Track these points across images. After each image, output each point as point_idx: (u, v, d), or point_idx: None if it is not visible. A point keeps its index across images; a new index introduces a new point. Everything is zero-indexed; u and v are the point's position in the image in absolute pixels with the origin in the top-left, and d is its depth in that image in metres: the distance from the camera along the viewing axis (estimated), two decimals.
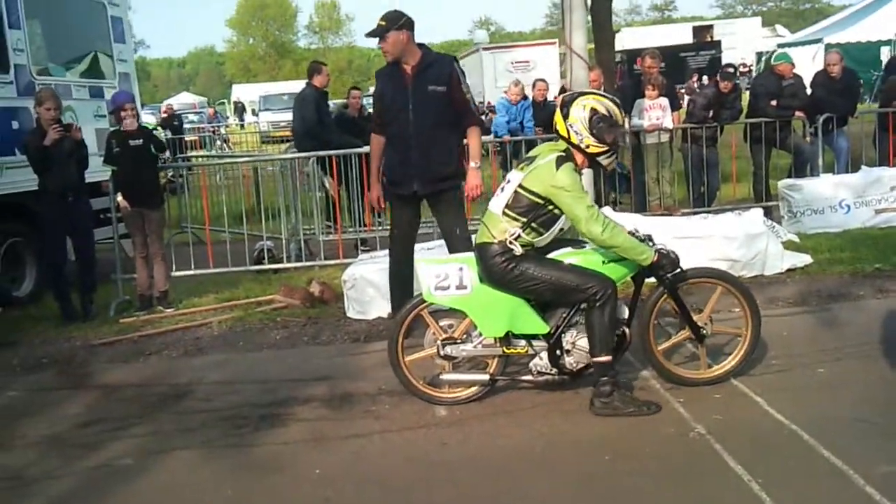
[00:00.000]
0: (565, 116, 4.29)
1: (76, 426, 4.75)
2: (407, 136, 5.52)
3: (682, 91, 16.76)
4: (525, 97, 11.46)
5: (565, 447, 4.02)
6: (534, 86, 11.66)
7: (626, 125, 8.55)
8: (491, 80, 26.37)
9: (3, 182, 7.67)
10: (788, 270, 6.86)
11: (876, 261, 6.95)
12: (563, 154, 4.28)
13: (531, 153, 4.50)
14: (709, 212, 8.56)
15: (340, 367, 5.49)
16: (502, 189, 4.41)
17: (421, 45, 5.60)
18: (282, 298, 7.03)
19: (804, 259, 7.04)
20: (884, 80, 11.31)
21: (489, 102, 22.37)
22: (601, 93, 4.59)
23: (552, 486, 3.63)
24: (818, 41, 24.27)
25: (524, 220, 4.26)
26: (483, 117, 13.23)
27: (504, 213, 4.30)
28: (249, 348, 6.08)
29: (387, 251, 6.10)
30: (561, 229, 4.35)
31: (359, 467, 3.99)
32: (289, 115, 26.57)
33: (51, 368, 5.94)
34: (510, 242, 4.26)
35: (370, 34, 5.57)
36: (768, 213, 8.33)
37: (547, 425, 4.29)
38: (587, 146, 4.28)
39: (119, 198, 7.22)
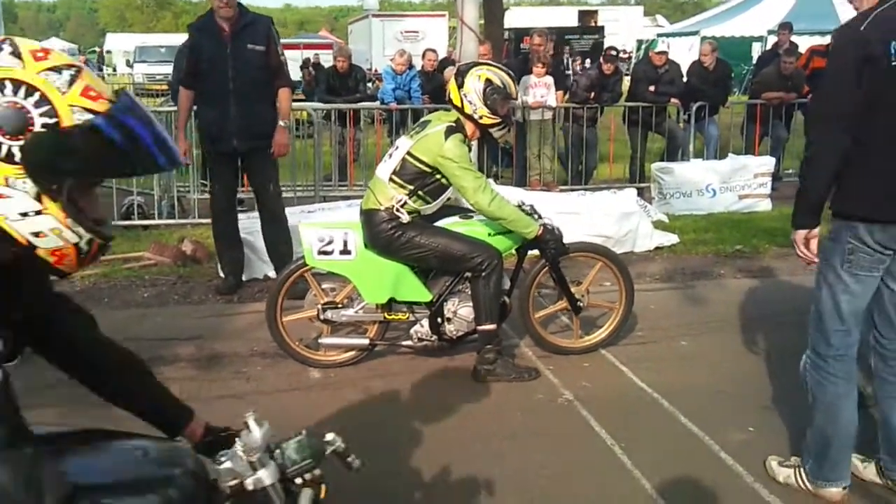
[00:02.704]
0: (460, 86, 4.24)
1: None
2: (226, 92, 5.57)
3: (567, 73, 17.11)
4: (411, 66, 11.41)
5: (437, 411, 4.05)
6: (423, 56, 11.65)
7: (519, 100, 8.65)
8: (379, 48, 26.16)
9: None
10: (657, 248, 7.15)
11: (737, 243, 7.33)
12: (454, 124, 4.24)
13: (423, 119, 4.47)
14: (585, 189, 8.80)
15: (212, 327, 5.32)
16: (390, 155, 4.36)
17: (238, 4, 5.64)
18: (151, 256, 6.74)
19: (671, 238, 7.34)
20: (754, 73, 11.88)
21: (376, 70, 22.17)
22: (497, 65, 4.57)
23: (422, 448, 3.65)
24: (695, 33, 25.30)
25: (411, 187, 4.22)
26: (370, 84, 13.14)
27: (391, 180, 4.25)
28: (115, 305, 5.81)
29: (255, 213, 6.08)
30: (448, 199, 4.35)
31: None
32: (165, 69, 25.52)
33: None
34: (397, 210, 4.21)
35: None
36: (641, 193, 8.63)
37: (420, 389, 4.32)
38: (480, 117, 4.25)
39: None
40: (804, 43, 12.11)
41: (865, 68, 2.76)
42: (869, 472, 3.28)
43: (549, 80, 9.51)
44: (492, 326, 4.31)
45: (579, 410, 4.03)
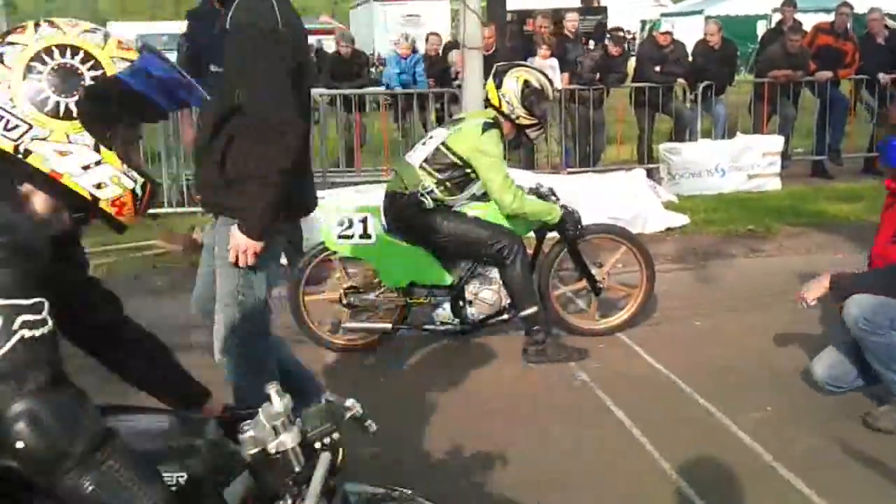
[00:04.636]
0: (498, 86, 4.35)
1: None
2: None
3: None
4: (415, 51, 11.37)
5: (451, 393, 4.08)
6: (427, 39, 11.62)
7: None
8: (382, 33, 25.98)
9: None
10: (667, 229, 7.14)
11: (748, 223, 7.32)
12: (491, 121, 4.33)
13: (458, 116, 4.52)
14: (594, 171, 8.78)
15: None
16: (423, 143, 4.44)
17: None
18: (163, 244, 6.77)
19: (682, 219, 7.33)
20: (759, 52, 11.80)
21: (379, 55, 22.09)
22: (534, 66, 4.72)
23: (441, 429, 3.67)
24: (699, 12, 25.09)
25: (440, 176, 4.28)
26: (373, 69, 13.11)
27: (421, 167, 4.31)
28: (129, 293, 5.74)
29: None
30: (473, 194, 4.38)
31: None
32: (167, 56, 25.59)
33: None
34: (422, 195, 4.26)
35: None
36: (650, 174, 8.61)
37: (438, 372, 4.35)
38: (517, 117, 4.36)
39: None
40: (808, 20, 12.02)
41: None
42: None
43: (554, 62, 9.45)
44: (533, 309, 4.33)
45: (595, 391, 4.05)
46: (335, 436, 1.59)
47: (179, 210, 8.07)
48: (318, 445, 1.56)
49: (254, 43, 2.75)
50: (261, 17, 2.74)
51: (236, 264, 2.80)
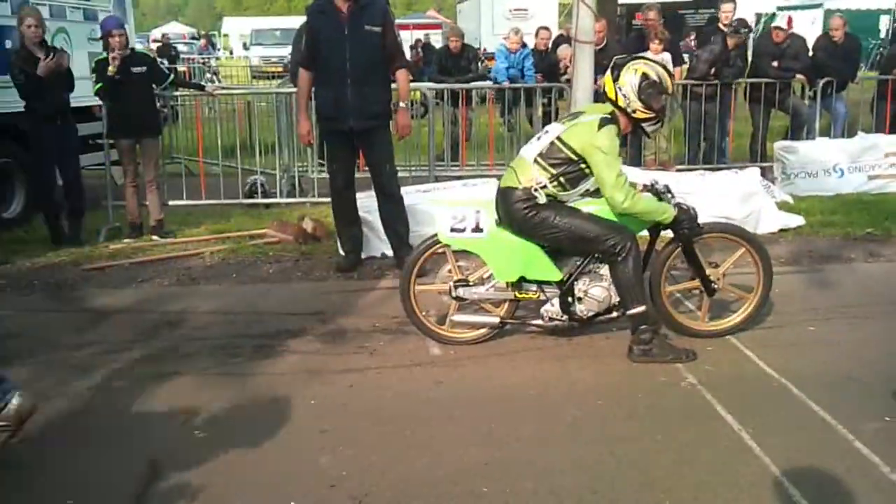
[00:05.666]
0: (615, 79, 4.29)
1: (69, 348, 4.74)
2: (343, 73, 5.68)
3: (681, 48, 16.59)
4: (524, 45, 11.34)
5: (559, 391, 4.06)
6: (536, 34, 11.58)
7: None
8: (489, 27, 26.02)
9: None
10: (781, 230, 6.91)
11: (867, 225, 7.00)
12: (608, 116, 4.27)
13: (575, 110, 4.49)
14: (706, 169, 8.55)
15: (334, 302, 5.49)
16: (538, 138, 4.43)
17: None
18: (274, 233, 7.00)
19: (797, 220, 7.08)
20: (884, 47, 11.24)
21: (485, 49, 22.11)
22: (653, 59, 4.59)
23: (545, 428, 3.67)
24: (818, 5, 24.08)
25: (554, 171, 4.26)
26: (479, 64, 13.13)
27: (536, 161, 4.30)
28: (242, 280, 6.06)
29: (372, 192, 6.19)
30: (587, 190, 4.34)
31: (354, 401, 4.01)
32: (279, 51, 26.15)
33: (42, 290, 5.91)
34: (535, 190, 4.25)
35: None
36: (763, 173, 8.33)
37: (541, 370, 4.33)
38: (634, 111, 4.28)
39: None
40: None
41: None
42: None
43: (667, 56, 9.24)
44: (642, 308, 4.28)
45: (703, 394, 3.95)
46: None
47: (290, 200, 8.32)
48: None
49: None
50: None
51: None
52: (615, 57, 4.60)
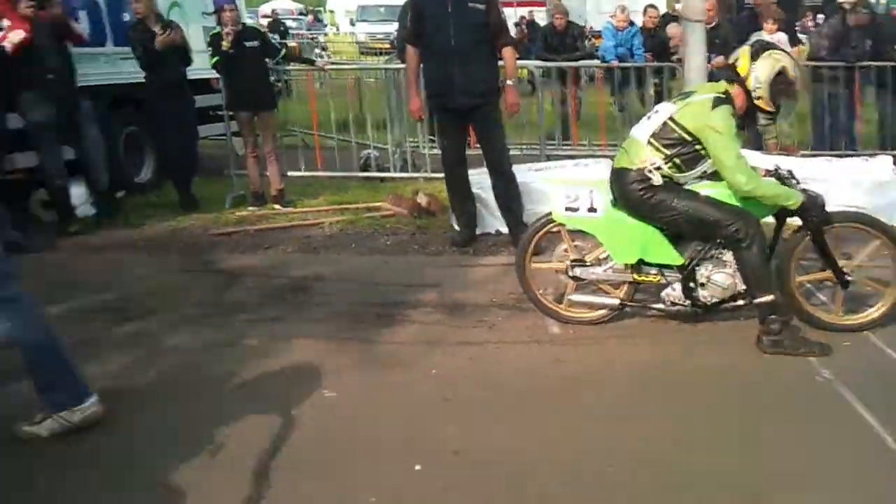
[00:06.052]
0: (753, 57, 4.15)
1: (202, 305, 5.00)
2: (448, 51, 5.69)
3: (797, 29, 15.91)
4: (631, 23, 11.12)
5: (684, 378, 3.97)
6: (644, 12, 11.33)
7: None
8: (594, 5, 25.57)
9: (118, 72, 7.87)
10: None
11: None
12: (722, 96, 4.14)
13: (686, 90, 4.39)
14: (833, 155, 8.21)
15: (451, 277, 5.56)
16: (649, 118, 4.33)
17: None
18: (390, 206, 7.12)
19: None
20: None
21: (590, 27, 21.74)
22: (795, 59, 4.44)
23: (671, 414, 3.60)
24: None
25: (668, 152, 4.15)
26: (587, 43, 12.95)
27: (649, 142, 4.20)
28: (361, 251, 6.21)
29: (485, 168, 6.20)
30: (704, 172, 4.22)
31: (474, 372, 4.06)
32: (386, 27, 26.34)
33: (174, 253, 6.22)
34: (649, 171, 4.17)
35: None
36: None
37: (663, 353, 4.26)
38: (758, 97, 4.15)
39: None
40: None
41: None
42: None
43: (783, 36, 8.87)
44: (769, 297, 4.13)
45: (840, 392, 3.77)
46: None
47: (404, 175, 8.45)
48: None
49: None
50: None
51: None
52: (757, 38, 4.47)
